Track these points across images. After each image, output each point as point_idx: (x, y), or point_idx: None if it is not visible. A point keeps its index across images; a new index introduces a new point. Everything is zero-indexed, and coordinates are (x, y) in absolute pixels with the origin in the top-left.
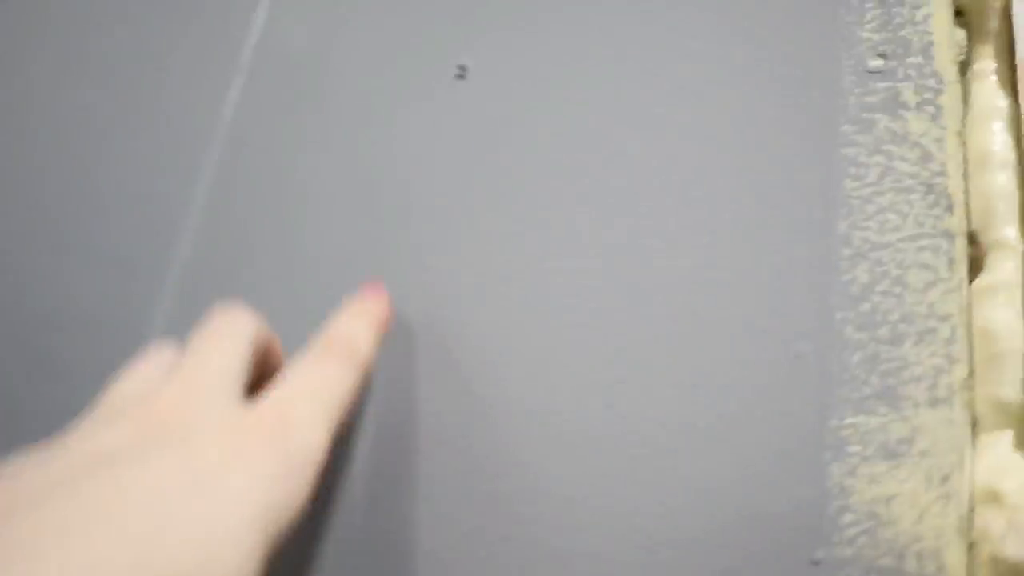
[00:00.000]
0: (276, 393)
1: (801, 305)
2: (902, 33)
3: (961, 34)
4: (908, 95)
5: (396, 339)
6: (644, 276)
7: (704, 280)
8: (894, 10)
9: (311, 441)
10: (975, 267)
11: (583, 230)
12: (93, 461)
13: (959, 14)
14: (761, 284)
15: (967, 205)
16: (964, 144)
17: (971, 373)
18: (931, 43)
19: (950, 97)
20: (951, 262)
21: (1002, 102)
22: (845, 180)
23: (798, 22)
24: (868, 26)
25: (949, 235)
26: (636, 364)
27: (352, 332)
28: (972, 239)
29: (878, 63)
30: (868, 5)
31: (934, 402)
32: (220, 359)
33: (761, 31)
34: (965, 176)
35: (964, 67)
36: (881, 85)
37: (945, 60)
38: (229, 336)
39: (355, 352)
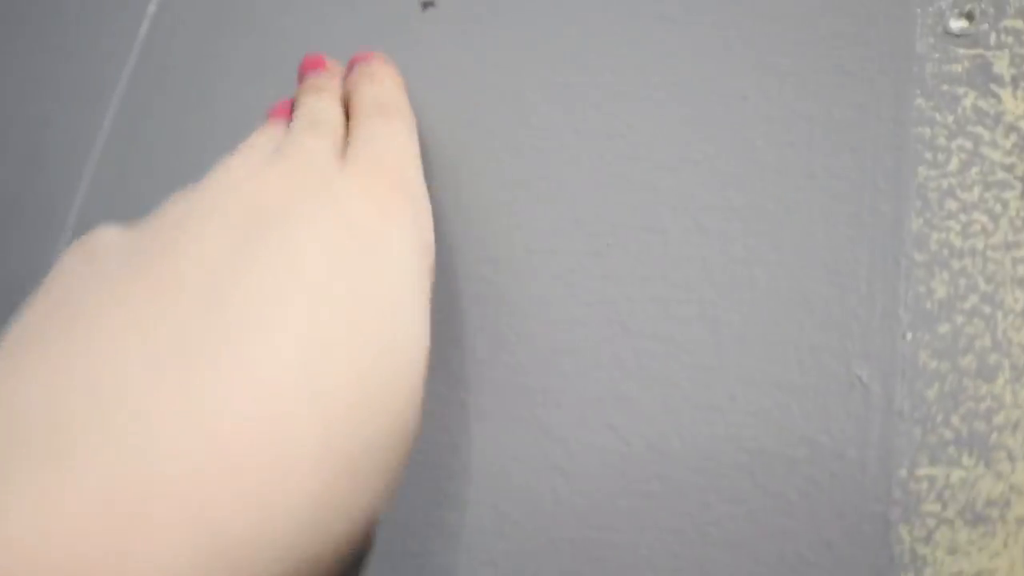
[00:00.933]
0: (367, 150)
1: (862, 318)
2: None
3: None
4: (1002, 67)
5: None
6: (666, 264)
7: (742, 280)
8: None
9: (420, 187)
10: None
11: (574, 181)
12: (254, 219)
13: None
14: (812, 288)
15: None
16: None
17: None
18: None
19: None
20: None
21: None
22: (919, 167)
23: None
24: None
25: None
26: (657, 383)
27: (382, 95)
28: None
29: (962, 24)
30: None
31: None
32: (314, 142)
33: None
34: None
35: None
36: (966, 52)
37: None
38: (322, 120)
39: (396, 109)
